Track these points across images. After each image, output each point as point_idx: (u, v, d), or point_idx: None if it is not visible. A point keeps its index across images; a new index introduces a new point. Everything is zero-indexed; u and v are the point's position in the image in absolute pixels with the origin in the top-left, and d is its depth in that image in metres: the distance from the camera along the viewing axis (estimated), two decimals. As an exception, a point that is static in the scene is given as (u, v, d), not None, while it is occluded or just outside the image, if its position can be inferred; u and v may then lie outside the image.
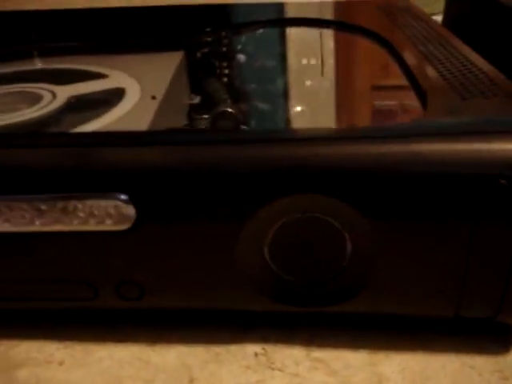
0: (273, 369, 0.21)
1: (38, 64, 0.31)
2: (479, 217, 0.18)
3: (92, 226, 0.19)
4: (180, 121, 0.23)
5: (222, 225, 0.19)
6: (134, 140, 0.20)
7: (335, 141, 0.19)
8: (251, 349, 0.21)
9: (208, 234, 0.19)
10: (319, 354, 0.21)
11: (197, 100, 0.27)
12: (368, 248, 0.19)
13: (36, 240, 0.20)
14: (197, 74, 0.30)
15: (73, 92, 0.25)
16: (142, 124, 0.22)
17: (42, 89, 0.26)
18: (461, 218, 0.19)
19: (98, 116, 0.23)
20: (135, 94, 0.25)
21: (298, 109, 0.26)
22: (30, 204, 0.19)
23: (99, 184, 0.19)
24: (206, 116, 0.23)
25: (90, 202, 0.19)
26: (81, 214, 0.19)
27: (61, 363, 0.21)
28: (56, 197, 0.19)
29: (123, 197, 0.19)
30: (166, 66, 0.29)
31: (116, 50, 0.32)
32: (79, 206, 0.19)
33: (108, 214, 0.19)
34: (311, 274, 0.20)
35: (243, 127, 0.23)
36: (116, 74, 0.28)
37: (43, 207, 0.19)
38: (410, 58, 0.27)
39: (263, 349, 0.21)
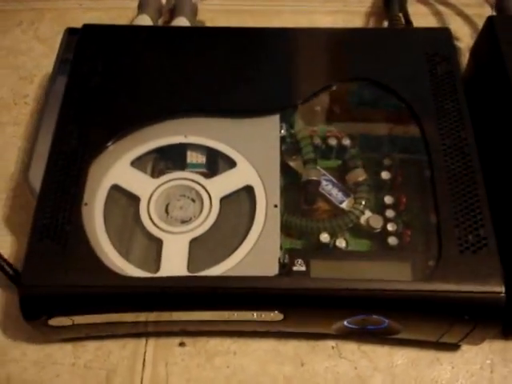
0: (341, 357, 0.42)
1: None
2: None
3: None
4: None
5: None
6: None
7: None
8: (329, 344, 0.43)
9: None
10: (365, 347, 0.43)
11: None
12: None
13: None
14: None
15: (222, 193, 0.41)
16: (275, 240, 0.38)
17: (196, 183, 0.41)
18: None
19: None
20: (261, 197, 0.40)
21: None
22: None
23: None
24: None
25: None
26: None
27: (234, 353, 0.42)
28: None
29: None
30: (270, 140, 0.43)
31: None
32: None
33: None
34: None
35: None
36: (241, 162, 0.42)
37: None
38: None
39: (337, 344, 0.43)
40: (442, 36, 0.46)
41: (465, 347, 0.42)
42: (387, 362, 0.42)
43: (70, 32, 0.48)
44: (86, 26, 0.47)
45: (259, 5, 0.59)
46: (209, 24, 0.56)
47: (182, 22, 0.49)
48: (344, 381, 0.41)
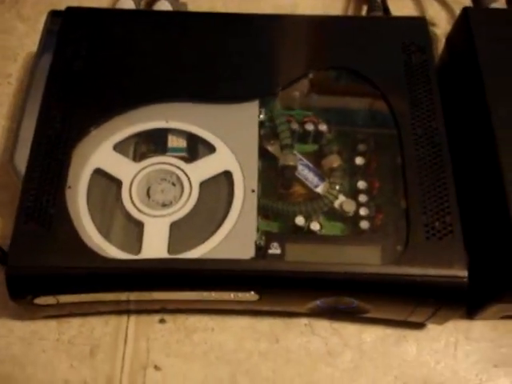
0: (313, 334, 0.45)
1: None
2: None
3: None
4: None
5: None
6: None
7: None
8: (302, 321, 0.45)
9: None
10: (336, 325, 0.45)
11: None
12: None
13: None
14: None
15: (201, 178, 0.42)
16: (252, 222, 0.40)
17: (177, 167, 0.43)
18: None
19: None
20: (239, 182, 0.42)
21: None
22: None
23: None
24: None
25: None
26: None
27: (212, 329, 0.44)
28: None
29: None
30: (249, 126, 0.44)
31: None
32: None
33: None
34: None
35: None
36: (221, 147, 0.43)
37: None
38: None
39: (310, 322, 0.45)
40: (419, 26, 0.48)
41: (430, 326, 0.44)
42: (357, 339, 0.44)
43: (54, 14, 0.48)
44: (69, 9, 0.48)
45: (242, -14, 0.59)
46: (190, 5, 0.56)
47: (164, 5, 0.50)
48: (316, 356, 0.43)
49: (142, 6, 0.52)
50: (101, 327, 0.44)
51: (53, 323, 0.44)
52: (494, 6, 0.49)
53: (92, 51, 0.46)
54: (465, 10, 0.47)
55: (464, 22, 0.47)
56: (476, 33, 0.45)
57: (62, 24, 0.47)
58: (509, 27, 0.46)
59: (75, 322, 0.44)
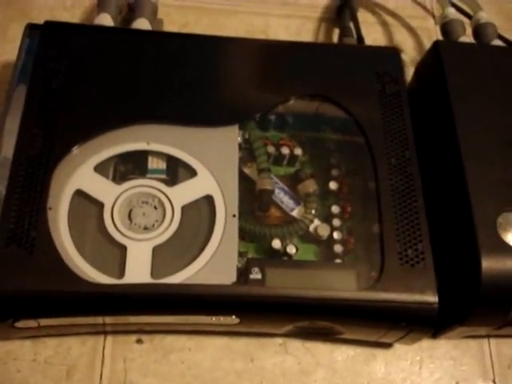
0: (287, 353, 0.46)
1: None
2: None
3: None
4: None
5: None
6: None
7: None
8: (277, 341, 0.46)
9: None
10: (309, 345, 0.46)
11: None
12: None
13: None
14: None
15: (183, 201, 0.43)
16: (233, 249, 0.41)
17: (158, 190, 0.43)
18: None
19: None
20: (220, 206, 0.43)
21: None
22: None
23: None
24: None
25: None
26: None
27: (189, 349, 0.45)
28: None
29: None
30: (229, 150, 0.45)
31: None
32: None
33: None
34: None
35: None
36: (202, 171, 0.44)
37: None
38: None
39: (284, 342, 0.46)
40: (392, 56, 0.50)
41: (397, 345, 0.47)
42: (329, 357, 0.46)
43: (31, 27, 0.47)
44: (48, 24, 0.47)
45: (215, 3, 0.60)
46: (165, 20, 0.57)
47: (143, 23, 0.50)
48: (289, 375, 0.45)
49: (118, 21, 0.52)
50: (77, 347, 0.44)
51: (28, 343, 0.44)
52: (463, 39, 0.52)
53: (72, 69, 0.46)
54: (436, 43, 0.49)
55: (435, 55, 0.49)
56: (446, 65, 0.48)
57: (40, 39, 0.46)
58: (477, 61, 0.49)
59: (51, 342, 0.44)
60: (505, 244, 0.41)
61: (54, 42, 0.47)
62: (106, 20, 0.50)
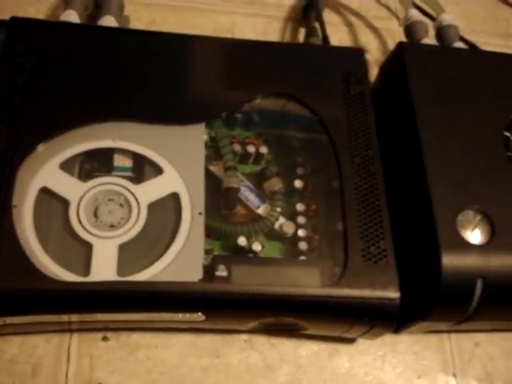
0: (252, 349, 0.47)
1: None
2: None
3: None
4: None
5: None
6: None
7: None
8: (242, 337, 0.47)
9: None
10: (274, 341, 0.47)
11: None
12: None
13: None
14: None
15: (149, 199, 0.43)
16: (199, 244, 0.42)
17: (124, 188, 0.43)
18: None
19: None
20: (186, 204, 0.43)
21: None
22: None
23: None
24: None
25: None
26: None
27: (156, 346, 0.45)
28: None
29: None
30: (196, 147, 0.45)
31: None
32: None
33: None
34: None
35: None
36: (168, 169, 0.44)
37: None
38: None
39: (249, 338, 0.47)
40: (357, 57, 0.50)
41: (360, 340, 0.48)
42: (293, 353, 0.47)
43: (-2, 23, 0.47)
44: (14, 19, 0.47)
45: (182, 1, 0.60)
46: (132, 18, 0.57)
47: (109, 20, 0.50)
48: (255, 371, 0.46)
49: (85, 18, 0.52)
50: (43, 345, 0.44)
51: (-8, 342, 0.43)
52: (426, 40, 0.53)
53: (38, 65, 0.45)
54: (399, 44, 0.50)
55: (398, 56, 0.50)
56: (409, 66, 0.49)
57: (6, 35, 0.46)
58: (439, 62, 0.50)
59: (16, 340, 0.43)
60: (464, 241, 0.43)
61: (20, 38, 0.46)
62: (72, 16, 0.49)
